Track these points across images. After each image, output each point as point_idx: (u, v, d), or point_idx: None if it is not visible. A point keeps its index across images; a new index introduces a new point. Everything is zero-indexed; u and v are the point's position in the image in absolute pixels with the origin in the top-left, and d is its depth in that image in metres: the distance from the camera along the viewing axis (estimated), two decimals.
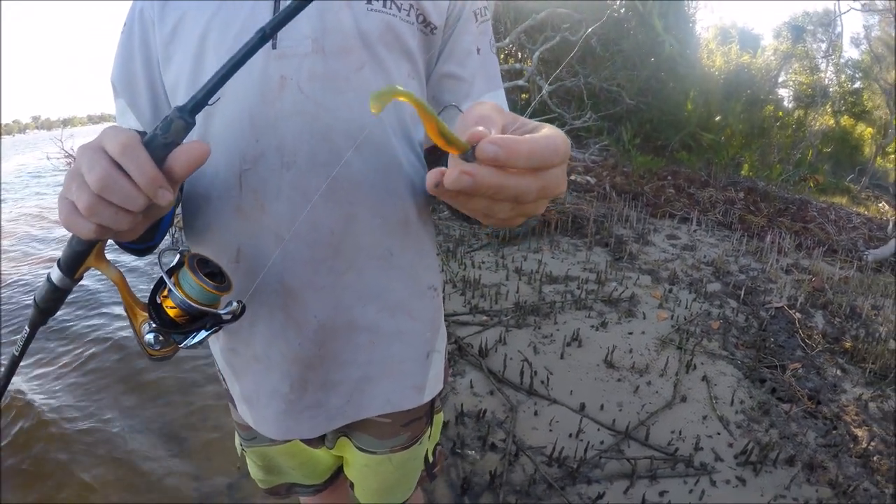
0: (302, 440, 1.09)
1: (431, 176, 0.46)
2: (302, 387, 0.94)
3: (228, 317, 0.72)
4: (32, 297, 0.74)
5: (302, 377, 0.93)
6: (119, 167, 0.56)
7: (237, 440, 1.21)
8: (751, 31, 16.53)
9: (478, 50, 0.93)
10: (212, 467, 2.37)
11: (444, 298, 3.51)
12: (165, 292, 0.70)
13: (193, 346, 0.73)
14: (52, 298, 0.73)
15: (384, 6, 0.83)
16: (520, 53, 10.80)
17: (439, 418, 1.26)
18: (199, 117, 0.74)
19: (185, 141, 0.59)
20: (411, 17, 0.86)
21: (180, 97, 0.84)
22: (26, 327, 0.77)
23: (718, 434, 2.41)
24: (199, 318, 0.71)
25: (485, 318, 3.39)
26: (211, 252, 0.83)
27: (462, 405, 2.57)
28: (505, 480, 2.14)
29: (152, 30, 0.88)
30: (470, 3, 0.92)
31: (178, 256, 0.72)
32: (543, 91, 8.04)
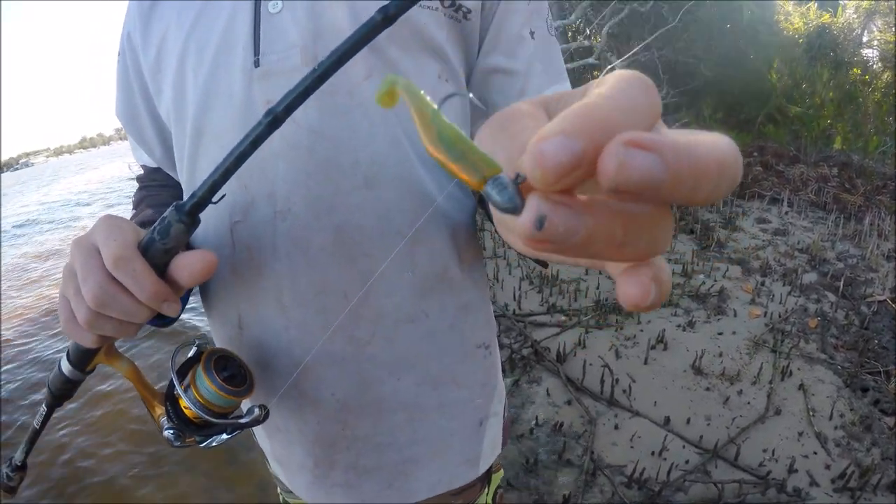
0: None
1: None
2: (328, 465, 0.82)
3: (248, 424, 0.65)
4: (46, 380, 0.68)
5: (327, 456, 0.80)
6: (115, 280, 0.51)
7: (279, 487, 1.09)
8: None
9: (531, 33, 0.73)
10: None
11: (520, 297, 3.42)
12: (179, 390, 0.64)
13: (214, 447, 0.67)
14: (65, 388, 0.67)
15: None
16: (587, 30, 10.34)
17: (497, 477, 1.09)
18: (184, 159, 0.69)
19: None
20: (440, 2, 0.67)
21: (175, 141, 0.74)
22: (44, 406, 0.70)
23: (815, 454, 2.22)
24: (208, 423, 0.65)
25: (563, 317, 3.27)
26: (216, 320, 0.76)
27: (538, 417, 2.49)
28: (580, 502, 2.06)
29: (141, 57, 0.76)
30: None
31: (194, 350, 0.66)
32: (616, 69, 7.65)
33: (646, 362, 2.85)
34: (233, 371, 0.65)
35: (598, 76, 8.55)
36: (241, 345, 0.73)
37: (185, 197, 0.64)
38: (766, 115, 7.39)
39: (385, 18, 0.42)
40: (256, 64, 0.63)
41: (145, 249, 0.51)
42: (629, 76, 0.24)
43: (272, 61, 0.63)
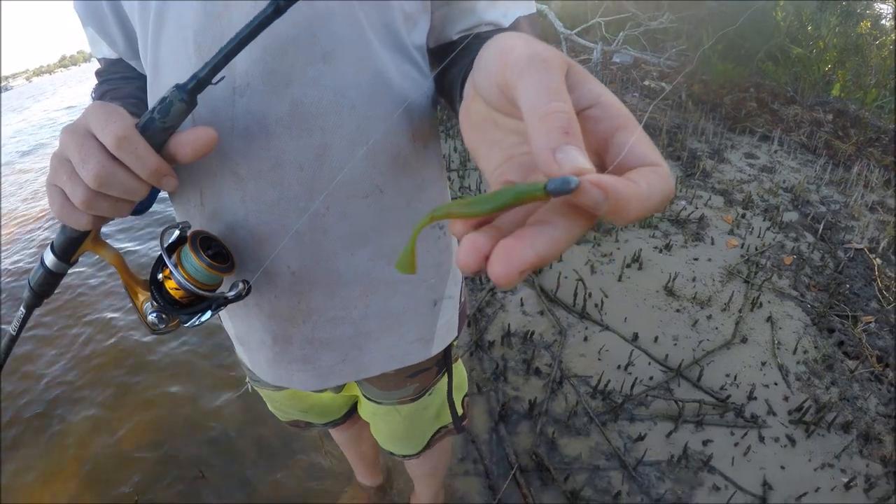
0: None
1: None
2: (285, 340, 0.84)
3: (234, 298, 0.68)
4: (27, 280, 0.67)
5: (284, 331, 0.82)
6: (116, 159, 0.52)
7: (247, 376, 1.12)
8: None
9: None
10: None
11: None
12: (167, 272, 0.65)
13: (199, 325, 0.68)
14: (47, 283, 0.66)
15: None
16: None
17: (460, 367, 1.14)
18: (147, 46, 0.67)
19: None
20: None
21: (137, 29, 0.69)
22: (22, 308, 0.69)
23: (776, 384, 2.20)
24: (203, 299, 0.66)
25: None
26: (179, 198, 0.75)
27: (509, 325, 2.42)
28: (545, 409, 2.02)
29: None
30: None
31: (177, 233, 0.66)
32: None
33: (620, 279, 2.79)
34: (216, 250, 0.66)
35: None
36: (202, 220, 0.73)
37: (149, 87, 0.70)
38: (767, 52, 7.14)
39: None
40: None
41: (144, 129, 0.53)
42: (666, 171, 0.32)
43: None
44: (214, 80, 0.53)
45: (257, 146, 0.65)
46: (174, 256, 0.64)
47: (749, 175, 4.04)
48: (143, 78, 0.76)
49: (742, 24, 7.53)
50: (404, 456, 1.29)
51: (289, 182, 0.67)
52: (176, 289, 0.64)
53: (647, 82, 6.33)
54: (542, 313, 2.55)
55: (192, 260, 0.63)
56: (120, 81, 0.83)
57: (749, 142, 4.76)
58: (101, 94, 0.81)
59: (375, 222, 0.74)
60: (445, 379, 1.08)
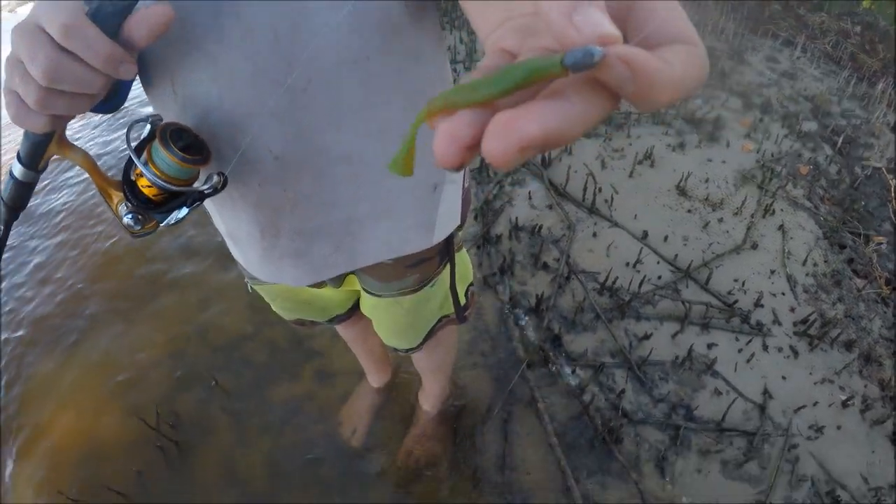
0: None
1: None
2: (274, 233, 0.79)
3: (210, 191, 0.64)
4: None
5: (272, 222, 0.78)
6: (66, 50, 0.48)
7: (245, 276, 1.06)
8: None
9: None
10: None
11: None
12: (138, 170, 0.61)
13: (176, 224, 0.65)
14: (20, 195, 0.63)
15: None
16: None
17: (464, 257, 1.08)
18: None
19: None
20: None
21: None
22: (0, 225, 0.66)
23: (783, 294, 2.15)
24: (178, 196, 0.63)
25: None
26: (152, 85, 0.67)
27: (517, 218, 2.31)
28: (552, 305, 1.95)
29: None
30: None
31: (148, 128, 0.61)
32: None
33: (630, 176, 2.66)
34: (188, 141, 0.61)
35: None
36: (176, 109, 0.66)
37: None
38: None
39: None
40: None
41: (94, 15, 0.48)
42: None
43: None
44: None
45: (226, 15, 0.58)
46: (144, 154, 0.61)
47: (769, 79, 3.83)
48: None
49: None
50: (408, 350, 1.23)
51: (263, 53, 0.60)
52: (148, 186, 0.61)
53: None
54: (550, 207, 2.43)
55: (163, 155, 0.59)
56: None
57: (771, 45, 4.51)
58: None
59: (362, 94, 0.67)
60: (448, 270, 1.02)
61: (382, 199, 0.79)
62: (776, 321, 2.03)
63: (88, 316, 2.32)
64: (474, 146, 0.23)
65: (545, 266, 2.13)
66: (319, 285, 0.96)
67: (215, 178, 0.65)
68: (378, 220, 0.82)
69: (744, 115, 3.31)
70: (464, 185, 0.93)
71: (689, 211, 2.49)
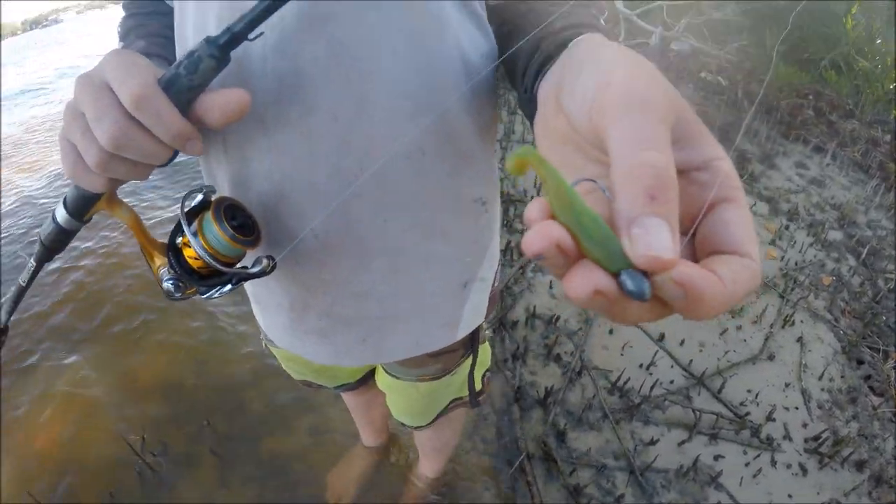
0: None
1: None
2: (303, 309, 0.77)
3: (257, 274, 0.61)
4: (38, 233, 0.63)
5: (303, 300, 0.76)
6: (134, 119, 0.46)
7: (261, 333, 1.05)
8: None
9: None
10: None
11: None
12: (186, 239, 0.59)
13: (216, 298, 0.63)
14: (59, 239, 0.61)
15: None
16: None
17: (486, 348, 1.05)
18: None
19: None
20: None
21: None
22: (32, 261, 0.65)
23: (796, 409, 2.12)
24: (214, 273, 0.61)
25: None
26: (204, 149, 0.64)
27: (535, 307, 2.34)
28: (560, 399, 1.96)
29: None
30: None
31: (201, 197, 0.59)
32: None
33: None
34: (241, 221, 0.60)
35: None
36: (224, 173, 0.66)
37: (176, 23, 0.63)
38: (832, 60, 6.80)
39: None
40: None
41: (168, 86, 0.47)
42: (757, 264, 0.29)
43: None
44: (252, 35, 0.48)
45: (287, 89, 0.56)
46: (195, 223, 0.58)
47: (798, 185, 3.86)
48: (171, 13, 0.68)
49: (808, 28, 7.18)
50: (416, 427, 1.23)
51: (320, 133, 0.58)
52: (195, 258, 0.59)
53: (703, 74, 6.08)
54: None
55: (215, 230, 0.57)
56: (146, 17, 0.75)
57: (801, 151, 4.56)
58: (126, 31, 0.74)
59: (413, 189, 0.65)
60: (470, 359, 1.01)
61: (416, 296, 0.77)
62: (787, 436, 2.00)
63: (95, 331, 2.41)
64: (562, 249, 0.26)
65: (558, 358, 2.14)
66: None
67: (265, 262, 0.63)
68: (409, 318, 0.80)
69: (770, 221, 3.33)
70: (493, 284, 0.90)
71: None
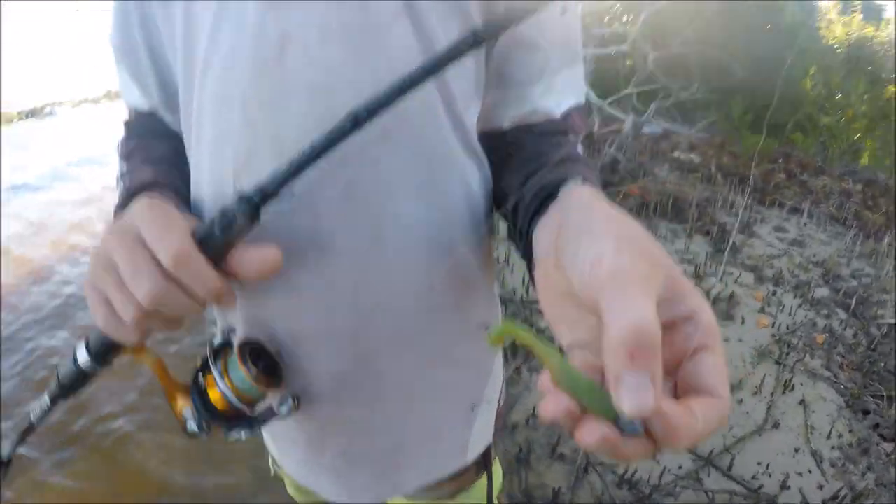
0: None
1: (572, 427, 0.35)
2: (318, 448, 0.77)
3: (285, 414, 0.63)
4: (55, 369, 0.61)
5: (318, 438, 0.75)
6: (171, 277, 0.46)
7: (269, 459, 1.02)
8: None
9: (563, 9, 0.63)
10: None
11: (528, 283, 3.30)
12: (211, 380, 0.59)
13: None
14: (77, 381, 0.59)
15: None
16: (625, 17, 10.00)
17: (498, 468, 1.01)
18: (192, 100, 0.60)
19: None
20: None
21: (179, 76, 0.62)
22: (46, 398, 0.62)
23: (809, 472, 2.14)
24: (237, 414, 0.61)
25: None
26: None
27: (535, 407, 2.42)
28: (570, 500, 2.00)
29: None
30: None
31: (224, 339, 0.63)
32: (649, 59, 7.41)
33: None
34: (266, 362, 0.61)
35: (630, 65, 8.33)
36: (241, 308, 0.65)
37: (189, 147, 0.64)
38: (796, 122, 7.14)
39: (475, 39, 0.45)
40: None
41: (202, 242, 0.47)
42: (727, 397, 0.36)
43: None
44: (277, 190, 0.48)
45: (304, 231, 0.57)
46: (220, 363, 0.59)
47: (779, 249, 4.00)
48: (177, 137, 0.69)
49: (771, 93, 7.58)
50: None
51: (335, 273, 0.60)
52: (220, 400, 0.59)
53: (676, 153, 6.37)
54: None
55: (241, 373, 0.58)
56: (151, 139, 0.74)
57: (778, 214, 4.73)
58: (128, 152, 0.73)
59: (425, 323, 0.67)
60: (484, 478, 0.97)
61: (427, 425, 0.77)
62: (804, 501, 2.02)
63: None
64: (570, 414, 0.34)
65: (562, 457, 2.18)
66: None
67: (290, 402, 0.64)
68: (420, 448, 0.80)
69: (756, 289, 3.43)
70: (499, 403, 0.90)
71: None
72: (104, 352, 0.56)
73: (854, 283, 3.52)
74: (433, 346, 0.70)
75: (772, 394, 2.53)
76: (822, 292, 3.40)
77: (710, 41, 7.43)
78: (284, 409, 0.63)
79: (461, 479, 0.91)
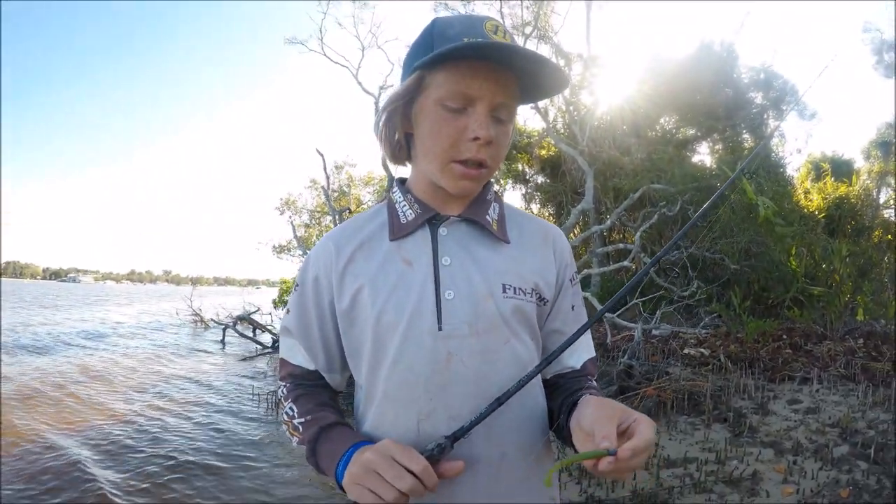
0: None
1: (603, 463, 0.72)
2: None
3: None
4: None
5: None
6: (418, 478, 0.80)
7: None
8: (841, 156, 15.75)
9: (572, 307, 1.09)
10: None
11: (559, 489, 3.31)
12: None
13: None
14: None
15: (514, 294, 0.98)
16: (622, 233, 10.96)
17: None
18: (380, 378, 0.98)
19: None
20: (532, 298, 1.01)
21: (364, 360, 1.01)
22: None
23: None
24: None
25: None
26: (392, 422, 0.98)
27: None
28: None
29: (328, 295, 1.05)
30: (567, 273, 1.09)
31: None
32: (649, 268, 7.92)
33: None
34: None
35: (630, 274, 8.91)
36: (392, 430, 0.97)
37: (367, 400, 1.02)
38: (792, 298, 7.43)
39: None
40: (440, 328, 0.94)
41: (428, 458, 0.83)
42: (651, 426, 0.80)
43: (451, 328, 0.95)
44: (463, 435, 0.86)
45: (465, 451, 0.91)
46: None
47: (795, 421, 4.03)
48: (331, 388, 1.11)
49: (763, 278, 7.98)
50: None
51: (479, 471, 0.94)
52: None
53: (686, 350, 6.54)
54: None
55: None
56: (313, 388, 1.10)
57: (790, 388, 4.79)
58: (296, 396, 1.08)
59: (520, 492, 0.99)
60: None
61: None
62: None
63: None
64: (592, 466, 0.73)
65: None
66: None
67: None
68: None
69: (777, 463, 3.43)
70: None
71: None
72: None
73: (871, 432, 3.51)
74: (524, 432, 1.00)
75: None
76: (842, 450, 3.39)
77: (700, 245, 8.09)
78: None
79: None
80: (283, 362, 1.13)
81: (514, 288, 0.99)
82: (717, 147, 11.65)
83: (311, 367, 1.09)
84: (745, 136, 12.65)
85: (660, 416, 4.61)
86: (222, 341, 12.69)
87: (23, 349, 10.68)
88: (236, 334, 11.81)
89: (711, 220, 8.12)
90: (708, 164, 12.10)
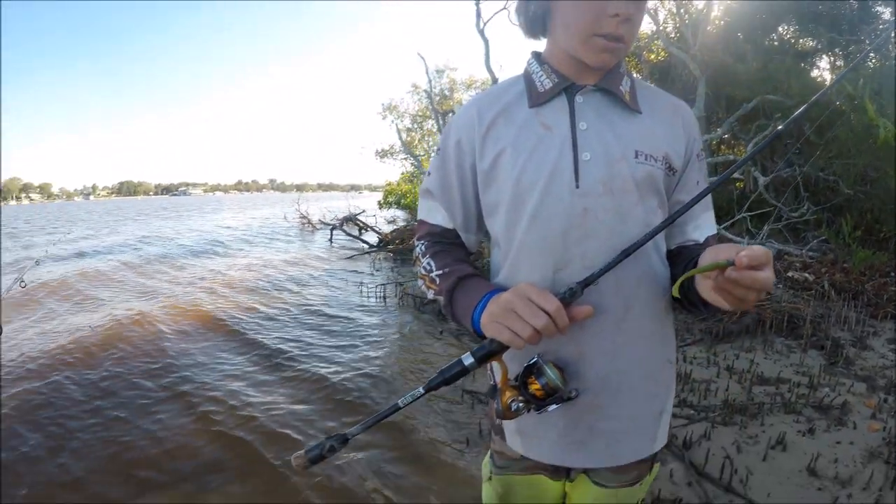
0: (546, 475, 1.22)
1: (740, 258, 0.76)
2: (573, 426, 1.10)
3: (574, 396, 1.02)
4: (440, 371, 0.95)
5: (574, 420, 1.09)
6: (551, 317, 0.88)
7: (487, 468, 1.33)
8: None
9: (697, 182, 1.13)
10: None
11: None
12: (531, 378, 0.99)
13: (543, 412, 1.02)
14: (456, 376, 0.94)
15: (646, 160, 1.04)
16: (732, 148, 10.50)
17: (657, 468, 1.30)
18: (516, 234, 1.07)
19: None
20: (662, 166, 1.06)
21: (500, 216, 1.10)
22: (420, 388, 0.95)
23: None
24: (551, 396, 0.98)
25: (692, 412, 3.55)
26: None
27: (660, 490, 2.79)
28: None
29: (470, 158, 1.12)
30: (695, 148, 1.13)
31: (537, 358, 1.01)
32: (760, 184, 7.73)
33: (764, 459, 3.05)
34: (560, 367, 1.01)
35: (741, 187, 8.67)
36: (543, 342, 0.96)
37: (507, 259, 1.10)
38: None
39: None
40: (577, 186, 1.01)
41: (561, 300, 0.90)
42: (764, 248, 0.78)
43: (587, 186, 1.01)
44: (594, 281, 0.92)
45: (594, 299, 0.99)
46: (535, 371, 0.98)
47: (892, 360, 4.17)
48: (465, 248, 1.21)
49: (878, 207, 7.63)
50: None
51: (606, 321, 1.03)
52: (539, 389, 0.97)
53: (790, 273, 6.56)
54: (689, 484, 2.87)
55: (552, 372, 0.97)
56: (449, 246, 1.19)
57: (892, 327, 4.86)
58: (435, 252, 1.17)
59: (647, 353, 1.09)
60: (649, 475, 1.25)
61: (641, 418, 1.11)
62: None
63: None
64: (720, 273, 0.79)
65: None
66: (562, 476, 1.23)
67: (573, 393, 0.99)
68: (634, 433, 1.11)
69: (869, 398, 3.65)
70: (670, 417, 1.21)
71: (819, 489, 2.81)
72: (487, 357, 0.92)
73: None
74: (650, 367, 1.11)
75: (880, 489, 2.77)
76: None
77: (814, 164, 7.70)
78: (574, 393, 1.00)
79: (641, 468, 1.21)
80: (422, 222, 1.24)
81: (646, 155, 1.04)
82: (837, 63, 10.60)
83: (450, 225, 1.19)
84: (870, 53, 11.32)
85: (757, 335, 4.82)
86: (330, 240, 14.39)
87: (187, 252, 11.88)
88: (343, 234, 13.30)
89: (828, 138, 7.67)
90: (828, 80, 11.09)
